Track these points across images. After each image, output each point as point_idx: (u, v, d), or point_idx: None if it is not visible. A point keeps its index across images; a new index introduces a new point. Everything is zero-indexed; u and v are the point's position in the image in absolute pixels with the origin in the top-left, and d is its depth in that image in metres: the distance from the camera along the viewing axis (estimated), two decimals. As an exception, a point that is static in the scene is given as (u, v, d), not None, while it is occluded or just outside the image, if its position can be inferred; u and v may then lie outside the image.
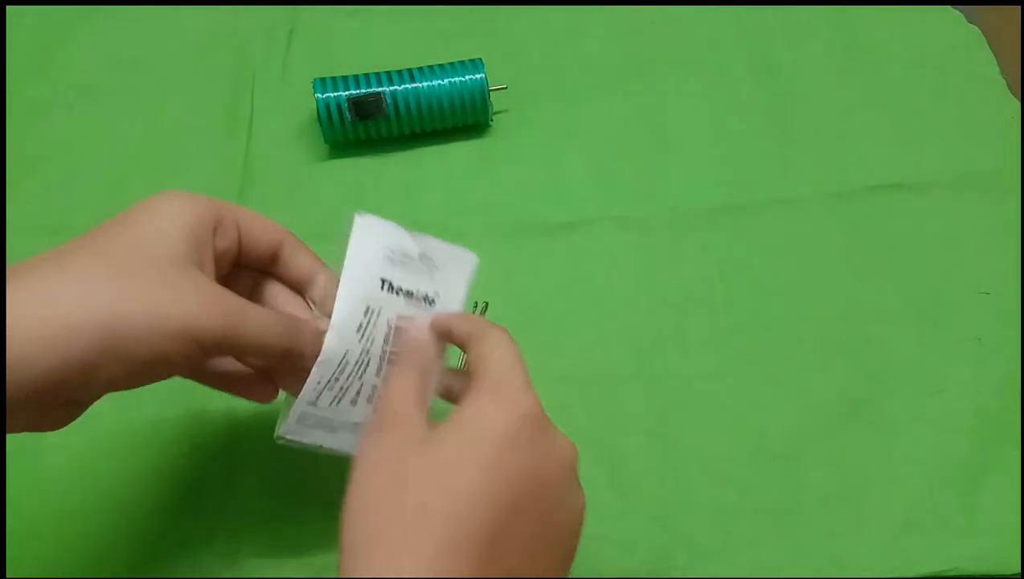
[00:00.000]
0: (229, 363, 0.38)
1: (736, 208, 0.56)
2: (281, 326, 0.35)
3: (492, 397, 0.32)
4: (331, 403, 0.36)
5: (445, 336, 0.37)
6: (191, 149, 0.59)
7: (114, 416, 0.49)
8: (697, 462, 0.48)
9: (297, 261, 0.38)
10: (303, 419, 0.36)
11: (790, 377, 0.50)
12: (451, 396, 0.37)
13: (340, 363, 0.36)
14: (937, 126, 0.59)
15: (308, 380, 0.35)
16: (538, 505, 0.30)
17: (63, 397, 0.31)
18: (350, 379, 0.36)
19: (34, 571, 0.45)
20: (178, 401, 0.50)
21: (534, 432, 0.31)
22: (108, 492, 0.47)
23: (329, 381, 0.36)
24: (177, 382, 0.51)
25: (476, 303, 0.53)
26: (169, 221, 0.33)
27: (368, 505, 0.30)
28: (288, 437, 0.37)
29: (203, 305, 0.32)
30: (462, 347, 0.36)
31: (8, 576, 0.44)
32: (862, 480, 0.47)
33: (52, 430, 0.33)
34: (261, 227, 0.37)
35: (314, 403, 0.36)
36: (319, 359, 0.35)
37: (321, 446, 0.38)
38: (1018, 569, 0.44)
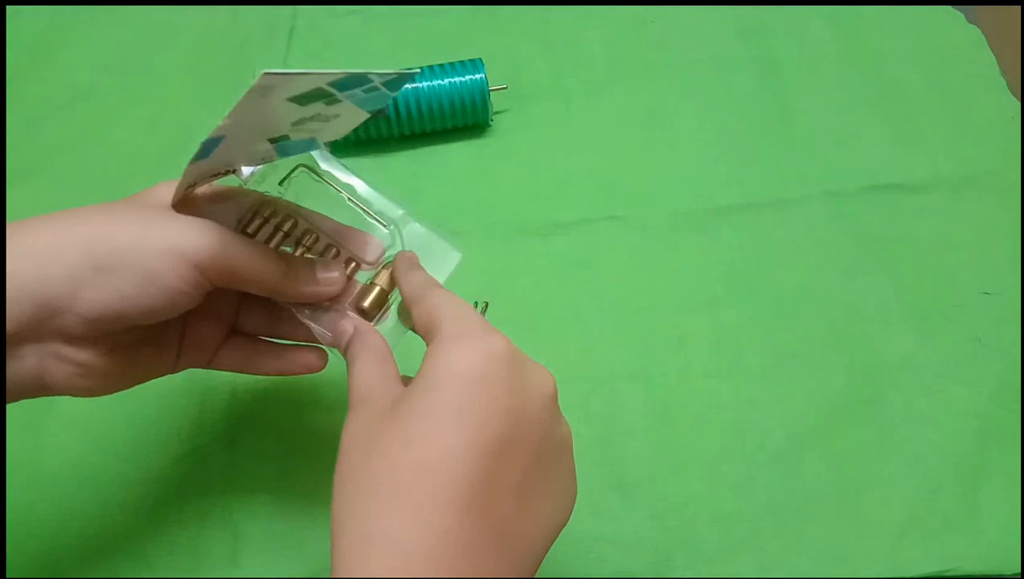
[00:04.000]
0: (258, 317, 0.39)
1: (736, 208, 0.56)
2: (274, 256, 0.35)
3: (453, 342, 0.29)
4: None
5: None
6: (191, 149, 0.59)
7: (114, 416, 0.49)
8: (697, 462, 0.48)
9: None
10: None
11: (790, 377, 0.50)
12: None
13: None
14: (937, 126, 0.59)
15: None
16: (522, 445, 0.28)
17: (59, 327, 0.31)
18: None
19: (34, 571, 0.45)
20: (178, 401, 0.50)
21: (505, 369, 0.29)
22: (108, 492, 0.47)
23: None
24: (177, 382, 0.51)
25: (476, 303, 0.53)
26: (159, 187, 0.35)
27: (344, 481, 0.29)
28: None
29: (193, 228, 0.32)
30: (408, 308, 0.35)
31: (8, 576, 0.44)
32: (862, 480, 0.47)
33: (65, 391, 0.33)
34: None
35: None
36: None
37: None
38: (1018, 569, 0.44)
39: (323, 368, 0.39)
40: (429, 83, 0.57)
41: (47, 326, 0.31)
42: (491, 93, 0.58)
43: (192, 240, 0.32)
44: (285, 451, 0.49)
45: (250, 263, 0.34)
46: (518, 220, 0.56)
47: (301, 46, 0.64)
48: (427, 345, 0.31)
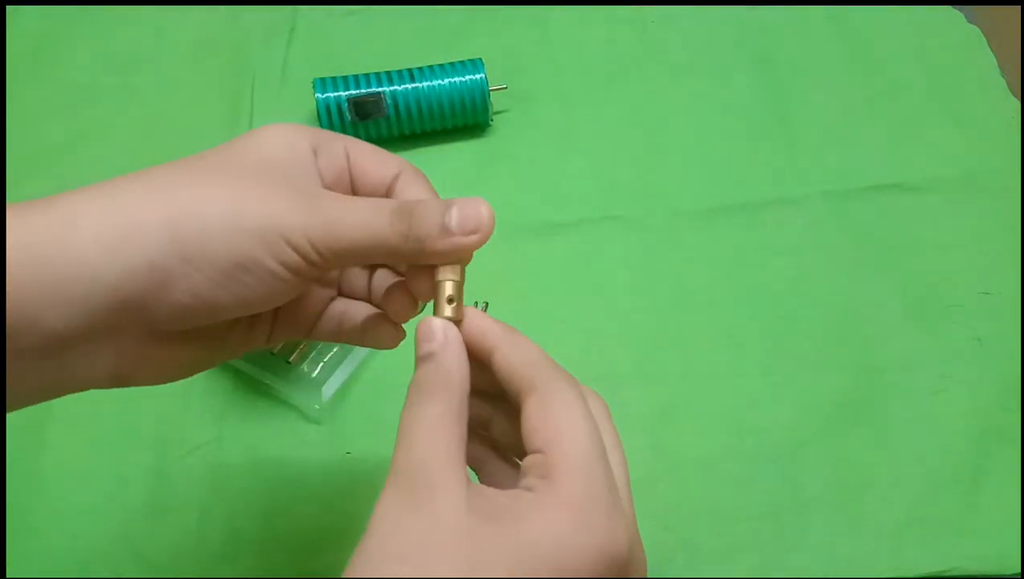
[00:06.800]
0: (362, 310, 0.34)
1: (736, 208, 0.56)
2: (389, 215, 0.28)
3: (574, 517, 0.25)
4: None
5: (482, 355, 0.30)
6: (191, 149, 0.58)
7: (114, 416, 0.49)
8: (697, 462, 0.48)
9: (408, 193, 0.32)
10: None
11: (790, 377, 0.50)
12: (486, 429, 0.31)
13: None
14: (937, 126, 0.59)
15: None
16: None
17: (145, 321, 0.27)
18: None
19: (34, 571, 0.45)
20: (178, 401, 0.50)
21: (614, 574, 0.25)
22: (108, 492, 0.47)
23: None
24: (176, 383, 0.51)
25: (476, 303, 0.53)
26: (261, 136, 0.30)
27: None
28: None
29: (290, 200, 0.27)
30: (513, 392, 0.29)
31: (8, 576, 0.44)
32: (862, 480, 0.47)
33: (144, 382, 0.30)
34: (374, 157, 0.32)
35: None
36: None
37: None
38: (1018, 569, 0.44)
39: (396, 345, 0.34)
40: (429, 83, 0.57)
41: (128, 321, 0.27)
42: (491, 93, 0.58)
43: (293, 216, 0.27)
44: (285, 452, 0.49)
45: (366, 233, 0.28)
46: (518, 220, 0.56)
47: (301, 46, 0.64)
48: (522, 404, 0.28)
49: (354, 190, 0.32)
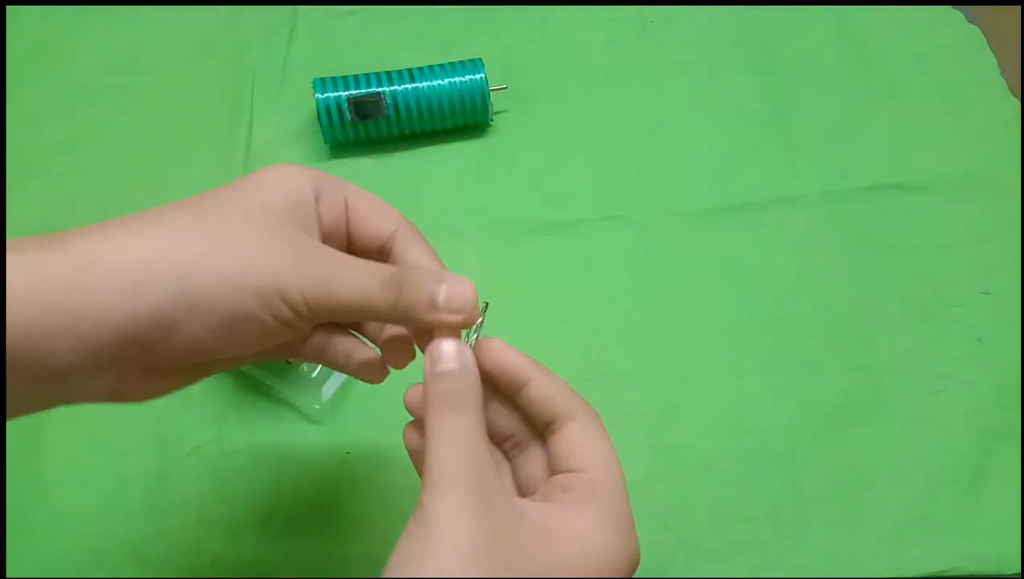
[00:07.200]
0: (347, 345, 0.35)
1: (736, 208, 0.56)
2: (382, 279, 0.30)
3: (619, 532, 0.29)
4: None
5: (513, 385, 0.32)
6: (191, 149, 0.59)
7: (114, 416, 0.49)
8: (697, 462, 0.48)
9: (409, 257, 0.33)
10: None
11: (790, 377, 0.50)
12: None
13: None
14: (937, 126, 0.59)
15: None
16: None
17: (145, 358, 0.29)
18: None
19: (34, 571, 0.45)
20: (178, 401, 0.50)
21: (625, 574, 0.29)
22: (108, 492, 0.47)
23: None
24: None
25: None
26: (264, 180, 0.31)
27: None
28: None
29: (291, 257, 0.29)
30: (546, 418, 0.32)
31: (8, 576, 0.44)
32: (862, 480, 0.47)
33: (138, 400, 0.31)
34: (372, 209, 0.33)
35: None
36: None
37: None
38: (1018, 569, 0.44)
39: (382, 381, 0.36)
40: (429, 83, 0.57)
41: (130, 357, 0.28)
42: (491, 93, 0.58)
43: (292, 275, 0.29)
44: (284, 453, 0.49)
45: (358, 297, 0.30)
46: (518, 220, 0.56)
47: (301, 46, 0.64)
48: (548, 434, 0.31)
49: (349, 241, 0.33)
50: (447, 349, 0.29)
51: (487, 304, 0.50)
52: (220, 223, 0.29)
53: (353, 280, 0.30)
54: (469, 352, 0.30)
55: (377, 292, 0.30)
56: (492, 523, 0.27)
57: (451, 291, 0.29)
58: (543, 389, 0.31)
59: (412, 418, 0.33)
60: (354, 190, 0.33)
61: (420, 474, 0.30)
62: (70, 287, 0.26)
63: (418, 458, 0.32)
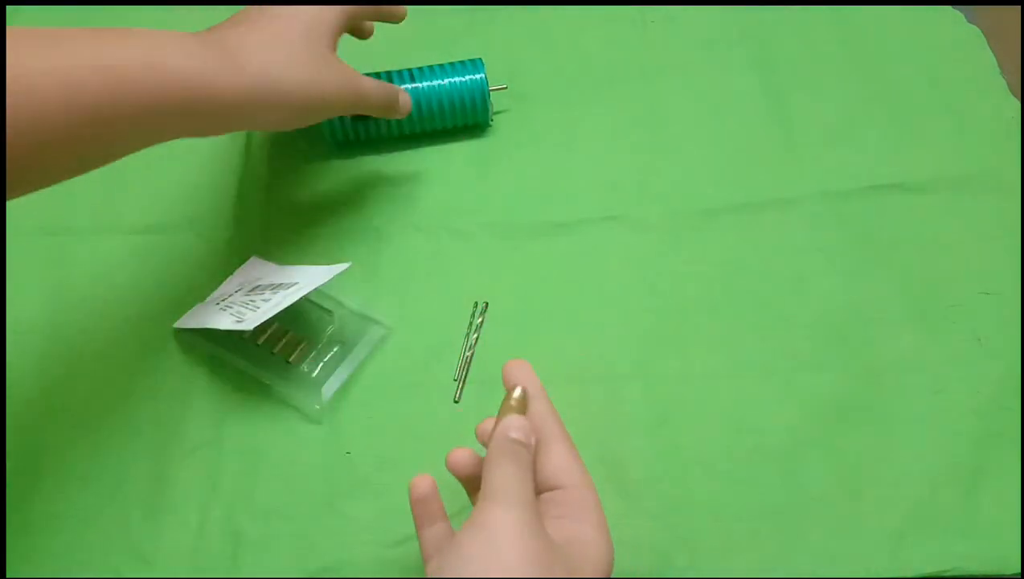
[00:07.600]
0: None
1: (736, 208, 0.56)
2: (384, 88, 0.51)
3: (606, 534, 0.36)
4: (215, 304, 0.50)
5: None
6: (191, 150, 0.59)
7: (114, 416, 0.49)
8: (697, 462, 0.48)
9: None
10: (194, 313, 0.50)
11: (790, 377, 0.50)
12: None
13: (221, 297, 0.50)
14: (937, 126, 0.59)
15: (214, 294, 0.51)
16: None
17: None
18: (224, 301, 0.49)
19: (34, 571, 0.45)
20: (178, 401, 0.50)
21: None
22: (107, 492, 0.47)
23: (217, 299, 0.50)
24: (178, 385, 0.51)
25: (476, 303, 0.53)
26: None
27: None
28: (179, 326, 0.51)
29: (333, 74, 0.47)
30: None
31: (8, 576, 0.44)
32: (862, 480, 0.47)
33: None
34: None
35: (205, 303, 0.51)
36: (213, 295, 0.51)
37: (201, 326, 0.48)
38: (1018, 569, 0.44)
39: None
40: (429, 83, 0.57)
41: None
42: (491, 93, 0.58)
43: (330, 87, 0.47)
44: (284, 453, 0.49)
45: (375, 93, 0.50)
46: (518, 220, 0.56)
47: (301, 46, 0.64)
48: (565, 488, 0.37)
49: None
50: (520, 424, 0.36)
51: (487, 304, 0.50)
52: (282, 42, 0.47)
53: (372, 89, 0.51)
54: (530, 426, 0.37)
55: (384, 93, 0.52)
56: (543, 535, 0.33)
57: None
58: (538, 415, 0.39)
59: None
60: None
61: (468, 490, 0.40)
62: (226, 72, 0.45)
63: (465, 477, 0.40)
